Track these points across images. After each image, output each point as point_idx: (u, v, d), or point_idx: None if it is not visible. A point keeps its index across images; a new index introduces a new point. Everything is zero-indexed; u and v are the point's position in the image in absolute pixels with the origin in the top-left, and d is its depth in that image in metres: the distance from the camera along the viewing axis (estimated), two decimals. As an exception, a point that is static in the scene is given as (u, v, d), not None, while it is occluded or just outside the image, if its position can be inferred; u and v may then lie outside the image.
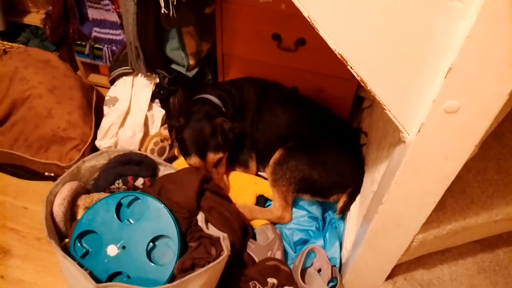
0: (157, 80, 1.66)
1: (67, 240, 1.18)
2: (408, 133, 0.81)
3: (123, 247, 1.13)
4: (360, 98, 1.74)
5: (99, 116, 1.65)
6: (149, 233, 1.15)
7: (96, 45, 1.85)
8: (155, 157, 1.49)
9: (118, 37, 1.77)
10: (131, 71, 1.65)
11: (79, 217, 1.23)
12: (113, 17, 1.73)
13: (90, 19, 1.78)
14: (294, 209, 1.44)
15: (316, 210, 1.44)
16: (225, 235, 1.16)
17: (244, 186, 1.49)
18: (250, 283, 1.20)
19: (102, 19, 1.76)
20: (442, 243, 1.26)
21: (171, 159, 1.62)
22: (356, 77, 0.77)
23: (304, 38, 1.51)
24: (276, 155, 1.41)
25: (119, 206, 1.18)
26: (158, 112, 1.68)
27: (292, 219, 1.43)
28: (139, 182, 1.35)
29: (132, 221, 1.17)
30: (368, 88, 0.77)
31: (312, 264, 1.33)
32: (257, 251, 1.31)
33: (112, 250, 1.13)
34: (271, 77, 1.65)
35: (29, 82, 1.59)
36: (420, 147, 0.82)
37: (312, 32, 0.74)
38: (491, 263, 1.39)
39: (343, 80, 1.58)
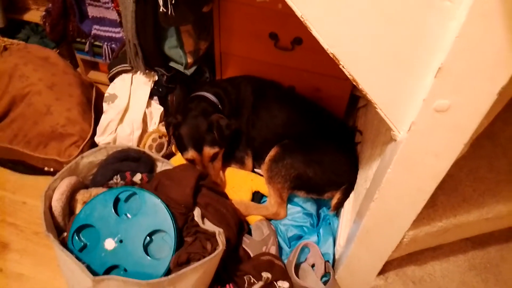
0: (156, 78, 1.67)
1: (65, 234, 1.20)
2: (399, 131, 0.83)
3: (120, 241, 1.15)
4: (355, 97, 1.76)
5: (98, 112, 1.67)
6: (146, 228, 1.17)
7: (96, 43, 1.87)
8: (153, 153, 1.51)
9: (117, 35, 1.79)
10: (130, 68, 1.66)
11: (77, 211, 1.25)
12: (113, 15, 1.74)
13: (90, 16, 1.79)
14: (289, 206, 1.46)
15: (310, 207, 1.46)
16: (221, 230, 1.18)
17: (240, 183, 1.50)
18: (245, 277, 1.22)
19: (101, 17, 1.78)
20: (434, 240, 1.28)
21: (168, 156, 1.64)
22: (348, 76, 0.78)
23: (301, 37, 1.52)
24: (272, 152, 1.43)
25: (116, 201, 1.20)
26: (157, 109, 1.70)
27: (287, 215, 1.45)
28: (137, 177, 1.37)
29: (129, 216, 1.19)
30: (360, 87, 0.79)
31: (306, 260, 1.35)
32: (252, 246, 1.33)
33: (109, 244, 1.15)
34: (268, 75, 1.67)
35: (28, 79, 1.60)
36: (411, 145, 0.83)
37: (309, 31, 0.75)
38: (482, 260, 1.41)
39: (339, 80, 1.59)
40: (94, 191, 1.31)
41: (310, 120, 1.55)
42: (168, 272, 1.13)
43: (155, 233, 1.18)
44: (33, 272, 1.36)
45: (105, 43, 1.84)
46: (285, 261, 1.33)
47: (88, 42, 1.87)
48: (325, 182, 1.41)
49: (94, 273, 1.06)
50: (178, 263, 1.12)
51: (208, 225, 1.22)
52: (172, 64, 1.67)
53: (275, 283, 1.23)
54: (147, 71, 1.64)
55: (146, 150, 1.52)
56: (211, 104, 1.52)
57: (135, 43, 1.54)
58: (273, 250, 1.32)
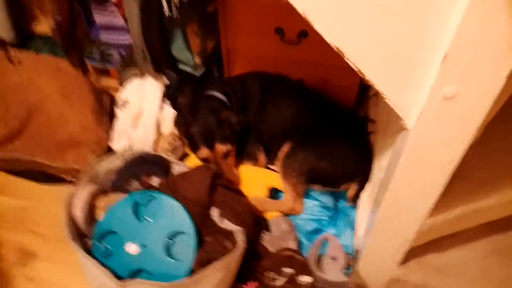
0: (166, 81, 1.70)
1: (88, 241, 1.23)
2: (409, 120, 0.82)
3: (144, 246, 1.18)
4: (365, 87, 1.74)
5: (112, 118, 1.70)
6: (167, 230, 1.19)
7: (105, 50, 1.89)
8: (168, 156, 1.53)
9: (126, 42, 1.80)
10: (140, 73, 1.68)
11: (98, 218, 1.28)
12: (120, 22, 1.76)
13: (98, 24, 1.81)
14: (305, 200, 1.47)
15: (327, 200, 1.47)
16: (240, 228, 1.19)
17: (255, 180, 1.51)
18: (266, 274, 1.24)
19: (109, 24, 1.80)
20: (452, 227, 1.27)
21: (183, 157, 1.66)
22: (354, 68, 0.78)
23: (306, 30, 1.52)
24: (285, 148, 1.44)
25: (136, 206, 1.23)
26: (169, 112, 1.72)
27: (304, 209, 1.45)
28: (155, 181, 1.39)
29: (150, 220, 1.22)
30: (366, 78, 0.79)
31: (326, 253, 1.36)
32: (271, 242, 1.34)
33: (132, 248, 1.17)
34: (276, 70, 1.67)
35: (43, 90, 1.64)
36: (421, 134, 0.83)
37: (313, 25, 0.75)
38: (501, 244, 1.38)
39: (347, 70, 1.53)
40: (113, 197, 1.34)
41: (319, 112, 1.55)
42: (190, 272, 1.15)
43: (176, 235, 1.20)
44: (62, 279, 1.39)
45: (115, 49, 1.86)
46: (305, 256, 1.34)
47: (97, 50, 1.89)
48: (338, 174, 1.41)
49: (119, 278, 1.09)
50: (200, 263, 1.14)
51: (227, 224, 1.24)
52: (180, 66, 1.68)
53: (296, 278, 1.24)
54: (157, 74, 1.66)
55: (162, 153, 1.54)
56: (220, 102, 1.53)
57: (143, 48, 1.56)
58: (293, 245, 1.33)
